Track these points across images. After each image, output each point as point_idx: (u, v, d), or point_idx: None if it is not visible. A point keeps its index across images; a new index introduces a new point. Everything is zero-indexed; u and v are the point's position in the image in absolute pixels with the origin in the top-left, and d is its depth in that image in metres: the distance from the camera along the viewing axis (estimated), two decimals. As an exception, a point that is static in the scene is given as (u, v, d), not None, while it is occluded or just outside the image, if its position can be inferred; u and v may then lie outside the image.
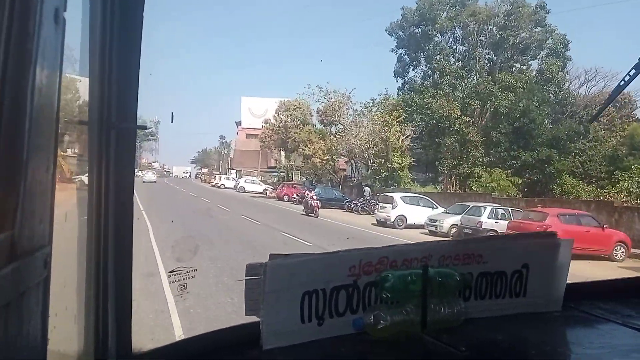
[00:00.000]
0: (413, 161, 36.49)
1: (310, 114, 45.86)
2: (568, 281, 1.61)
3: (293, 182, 43.09)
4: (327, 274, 1.34)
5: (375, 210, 24.78)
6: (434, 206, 23.95)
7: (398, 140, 34.95)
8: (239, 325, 1.33)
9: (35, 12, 0.66)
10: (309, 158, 41.40)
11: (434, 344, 1.33)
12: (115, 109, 1.04)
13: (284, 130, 45.83)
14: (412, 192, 28.05)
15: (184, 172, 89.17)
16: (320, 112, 42.18)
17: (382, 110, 37.28)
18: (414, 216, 22.82)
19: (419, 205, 23.95)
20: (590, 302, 1.68)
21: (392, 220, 22.80)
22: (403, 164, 35.25)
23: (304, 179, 44.70)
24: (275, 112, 47.83)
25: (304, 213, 24.89)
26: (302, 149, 41.30)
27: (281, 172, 51.10)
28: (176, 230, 13.84)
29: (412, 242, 1.61)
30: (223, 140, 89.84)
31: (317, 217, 23.68)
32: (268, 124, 49.68)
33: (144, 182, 47.60)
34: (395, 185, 33.64)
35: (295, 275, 1.29)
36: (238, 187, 46.33)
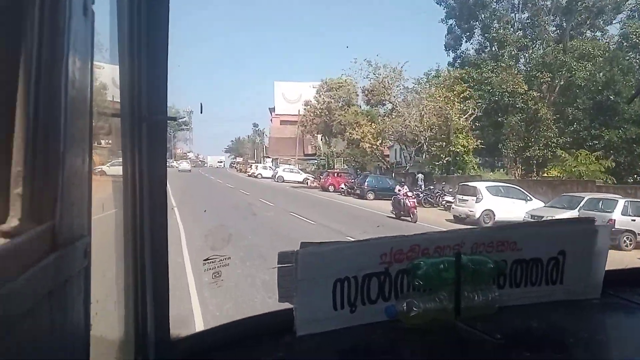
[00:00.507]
0: (481, 143, 31.04)
1: (355, 93, 41.54)
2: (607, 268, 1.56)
3: (337, 170, 38.82)
4: (359, 261, 1.34)
5: (453, 205, 19.87)
6: (528, 198, 19.23)
7: (459, 119, 30.28)
8: (273, 312, 1.36)
9: (65, 6, 0.67)
10: (356, 143, 36.67)
11: (468, 331, 1.31)
12: (145, 101, 1.06)
13: (327, 113, 41.46)
14: (497, 182, 22.67)
15: (218, 162, 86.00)
16: (366, 91, 37.39)
17: (438, 86, 32.60)
18: (504, 211, 17.77)
19: (510, 197, 18.99)
20: (630, 289, 1.62)
21: (477, 216, 18.09)
22: (468, 147, 30.33)
23: (346, 167, 41.03)
24: (317, 93, 43.75)
25: (394, 216, 18.91)
26: (349, 133, 36.37)
27: (321, 159, 47.84)
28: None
29: (444, 230, 1.58)
30: (256, 128, 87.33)
31: (415, 222, 17.51)
32: (309, 106, 45.20)
33: (179, 171, 48.67)
34: (461, 172, 29.61)
35: (327, 263, 1.30)
36: (277, 176, 42.99)
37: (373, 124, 35.84)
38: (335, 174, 35.23)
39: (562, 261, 1.53)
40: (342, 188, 30.19)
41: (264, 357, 1.22)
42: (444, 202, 22.88)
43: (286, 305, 1.29)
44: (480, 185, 19.65)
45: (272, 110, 71.11)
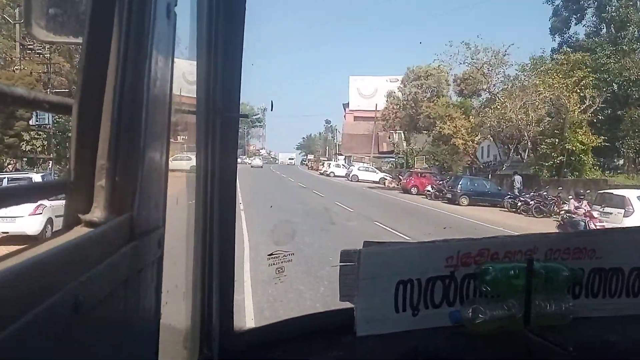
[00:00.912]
0: (604, 140, 25.00)
1: (447, 82, 35.34)
2: None
3: (419, 169, 33.73)
4: (423, 263, 1.31)
5: (592, 222, 13.78)
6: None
7: (577, 112, 24.84)
8: (333, 311, 1.36)
9: (150, 8, 0.70)
10: (445, 140, 31.23)
11: (538, 342, 1.24)
12: (220, 98, 1.09)
13: (412, 105, 35.30)
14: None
15: (289, 159, 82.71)
16: (458, 80, 32.35)
17: (552, 72, 26.53)
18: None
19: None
20: None
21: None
22: (587, 145, 24.72)
23: (427, 166, 35.79)
24: (402, 83, 37.96)
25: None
26: (440, 128, 30.88)
27: (399, 157, 44.13)
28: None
29: (515, 234, 1.47)
30: (328, 125, 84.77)
31: None
32: (392, 98, 39.69)
33: (252, 167, 49.50)
34: (577, 175, 24.66)
35: (389, 264, 1.29)
36: (351, 175, 38.95)
37: (466, 116, 31.12)
38: (419, 174, 30.33)
39: None
40: (428, 191, 25.71)
41: (323, 355, 1.22)
42: (562, 212, 16.96)
43: (348, 305, 1.29)
44: (630, 195, 15.32)
45: (346, 106, 68.17)
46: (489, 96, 30.85)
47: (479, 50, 30.02)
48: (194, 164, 1.12)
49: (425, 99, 35.18)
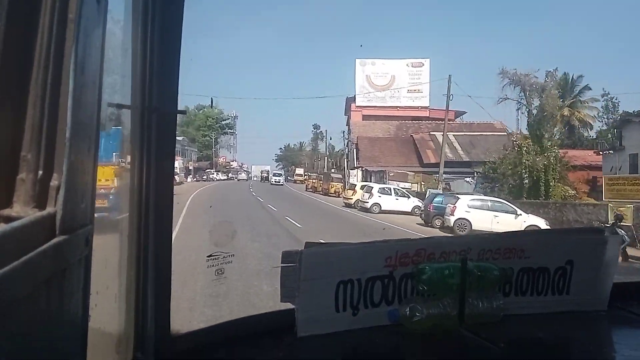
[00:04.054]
0: None
1: None
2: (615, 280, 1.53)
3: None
4: (363, 263, 1.33)
5: None
6: None
7: None
8: (274, 312, 1.36)
9: None
10: None
11: (472, 338, 1.30)
12: (156, 93, 1.05)
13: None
14: None
15: (263, 172, 64.69)
16: None
17: None
18: None
19: None
20: (638, 302, 1.59)
21: None
22: None
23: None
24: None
25: None
26: None
27: (489, 171, 26.85)
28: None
29: (450, 235, 1.57)
30: (317, 131, 69.58)
31: None
32: None
33: (237, 180, 44.80)
34: None
35: (330, 264, 1.29)
36: (371, 203, 25.02)
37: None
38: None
39: (570, 271, 1.50)
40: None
41: (264, 356, 1.21)
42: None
43: (289, 305, 1.28)
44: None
45: (351, 100, 48.94)
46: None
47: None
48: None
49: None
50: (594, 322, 1.50)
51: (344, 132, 54.80)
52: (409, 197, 25.82)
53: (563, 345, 1.39)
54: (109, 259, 1.04)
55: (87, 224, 0.76)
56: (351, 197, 27.98)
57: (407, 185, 31.31)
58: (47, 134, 0.65)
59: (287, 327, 1.27)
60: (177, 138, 1.31)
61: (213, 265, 1.44)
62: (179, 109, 1.16)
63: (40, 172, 0.65)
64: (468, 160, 32.18)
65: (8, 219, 0.61)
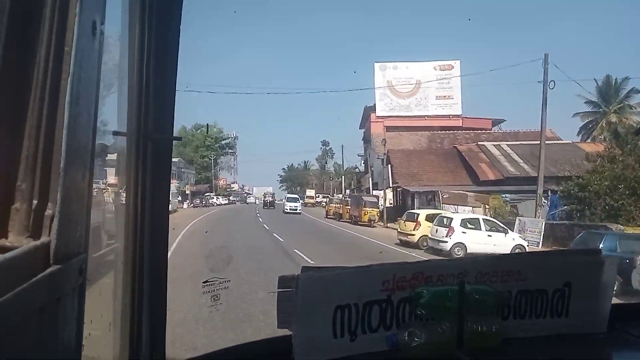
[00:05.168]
0: None
1: None
2: (613, 302, 1.52)
3: None
4: (360, 288, 1.32)
5: None
6: None
7: None
8: (271, 338, 1.34)
9: (73, 25, 0.68)
10: None
11: None
12: (152, 120, 1.07)
13: None
14: None
15: (265, 195, 53.26)
16: None
17: None
18: None
19: None
20: (637, 323, 1.57)
21: None
22: None
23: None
24: None
25: None
26: None
27: (555, 192, 22.37)
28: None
29: (447, 258, 1.56)
30: (326, 148, 61.69)
31: None
32: None
33: (247, 203, 40.38)
34: None
35: (328, 289, 1.28)
36: (452, 243, 16.55)
37: None
38: None
39: (568, 293, 1.49)
40: None
41: None
42: None
43: (285, 332, 1.26)
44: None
45: (370, 109, 43.54)
46: None
47: None
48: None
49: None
50: (593, 344, 1.48)
51: (367, 144, 45.90)
52: (506, 232, 17.49)
53: None
54: (103, 287, 1.04)
55: (82, 252, 0.76)
56: (412, 233, 18.91)
57: (468, 209, 24.23)
58: (41, 164, 0.66)
59: (284, 353, 1.25)
60: (174, 160, 1.32)
61: (209, 292, 1.43)
62: (175, 134, 1.17)
63: (35, 202, 0.66)
64: (536, 175, 23.61)
65: (3, 249, 0.61)
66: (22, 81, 0.65)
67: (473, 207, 25.19)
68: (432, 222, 18.17)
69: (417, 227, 18.99)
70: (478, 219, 18.35)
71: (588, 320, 1.51)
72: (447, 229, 16.93)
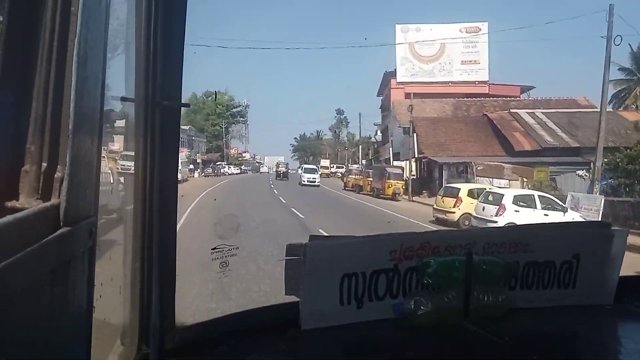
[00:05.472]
0: None
1: None
2: (621, 274, 1.52)
3: None
4: (368, 257, 1.32)
5: None
6: None
7: None
8: (278, 305, 1.36)
9: None
10: None
11: (476, 332, 1.29)
12: (159, 86, 1.05)
13: None
14: None
15: (279, 165, 46.53)
16: None
17: None
18: None
19: None
20: None
21: None
22: None
23: None
24: None
25: None
26: None
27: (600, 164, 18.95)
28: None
29: (456, 229, 1.56)
30: (341, 116, 58.18)
31: None
32: None
33: (260, 172, 38.47)
34: None
35: (335, 257, 1.29)
36: None
37: None
38: None
39: (576, 265, 1.49)
40: None
41: (268, 349, 1.21)
42: None
43: (293, 299, 1.28)
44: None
45: (390, 75, 40.19)
46: None
47: None
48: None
49: None
50: (599, 316, 1.49)
51: (385, 112, 41.04)
52: (565, 211, 14.69)
53: (568, 340, 1.39)
54: (113, 251, 1.05)
55: (91, 215, 0.76)
56: (452, 210, 16.42)
57: (504, 182, 21.75)
58: (50, 127, 0.66)
59: (292, 320, 1.26)
60: (184, 127, 1.31)
61: (217, 258, 1.45)
62: (184, 101, 1.16)
63: (44, 164, 0.66)
64: (578, 145, 22.05)
65: (13, 210, 0.61)
66: (29, 42, 0.65)
67: (510, 179, 22.90)
68: (475, 197, 15.95)
69: (457, 204, 16.42)
70: (532, 195, 15.43)
71: (595, 292, 1.51)
72: (497, 206, 14.34)
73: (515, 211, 14.08)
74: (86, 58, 0.69)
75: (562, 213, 14.49)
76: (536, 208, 14.52)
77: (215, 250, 1.44)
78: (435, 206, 17.67)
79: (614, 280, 1.51)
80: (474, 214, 15.18)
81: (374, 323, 1.32)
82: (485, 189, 16.74)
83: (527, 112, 29.05)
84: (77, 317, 0.75)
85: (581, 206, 16.83)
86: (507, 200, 14.53)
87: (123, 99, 1.07)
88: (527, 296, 1.45)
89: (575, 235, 1.55)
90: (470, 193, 16.66)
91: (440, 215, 16.80)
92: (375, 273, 1.33)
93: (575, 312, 1.47)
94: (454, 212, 16.26)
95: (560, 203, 15.24)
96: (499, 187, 18.38)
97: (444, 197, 17.41)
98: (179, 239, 1.18)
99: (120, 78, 1.07)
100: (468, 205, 16.05)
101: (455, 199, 16.66)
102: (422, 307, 1.30)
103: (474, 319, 1.32)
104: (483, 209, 15.00)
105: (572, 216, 14.45)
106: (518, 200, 14.71)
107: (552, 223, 2.00)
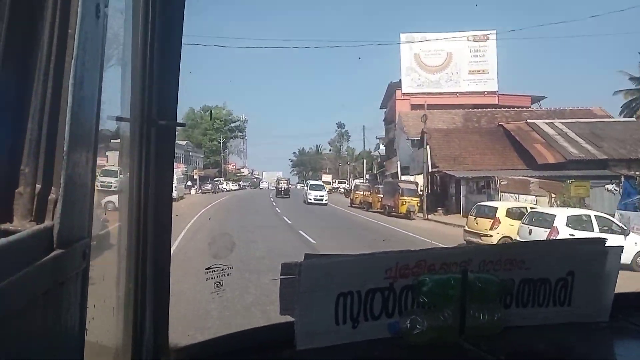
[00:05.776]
0: None
1: None
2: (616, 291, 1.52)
3: None
4: (363, 275, 1.32)
5: None
6: None
7: None
8: (273, 325, 1.34)
9: (77, 8, 0.68)
10: None
11: (472, 351, 1.29)
12: (155, 106, 1.06)
13: None
14: None
15: (279, 181, 45.43)
16: None
17: None
18: None
19: None
20: None
21: None
22: None
23: None
24: None
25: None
26: None
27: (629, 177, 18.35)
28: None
29: (451, 247, 1.56)
30: (342, 130, 59.52)
31: None
32: None
33: (260, 188, 37.64)
34: None
35: (330, 276, 1.28)
36: None
37: None
38: None
39: (571, 282, 1.49)
40: None
41: None
42: None
43: (288, 318, 1.27)
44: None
45: (395, 86, 39.18)
46: None
47: None
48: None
49: None
50: (595, 333, 1.48)
51: (389, 125, 39.53)
52: (626, 234, 12.54)
53: (564, 357, 1.38)
54: (107, 272, 1.04)
55: (85, 236, 0.76)
56: (488, 233, 14.46)
57: (530, 199, 20.29)
58: (45, 148, 0.66)
59: (286, 340, 1.25)
60: (181, 143, 1.31)
61: (212, 278, 1.44)
62: (182, 117, 1.17)
63: (39, 186, 0.66)
64: (605, 157, 20.16)
65: (6, 233, 0.61)
66: (26, 64, 0.65)
67: (537, 195, 21.03)
68: (515, 218, 14.21)
69: (495, 226, 14.47)
70: (589, 216, 13.32)
71: (591, 309, 1.51)
72: (548, 230, 12.24)
73: (570, 234, 11.73)
74: (82, 80, 0.70)
75: (622, 236, 12.06)
76: (593, 231, 12.34)
77: (210, 270, 1.43)
78: (466, 228, 15.49)
79: (609, 297, 1.51)
80: (518, 238, 12.83)
81: (370, 342, 1.31)
82: (527, 207, 15.09)
83: (546, 123, 27.60)
84: (70, 340, 0.74)
85: (633, 226, 14.54)
86: (560, 222, 12.53)
87: (119, 119, 1.08)
88: (523, 314, 1.45)
89: (570, 252, 1.55)
90: (509, 213, 14.93)
91: (472, 239, 14.55)
92: (371, 292, 1.33)
93: (571, 329, 1.47)
94: (491, 236, 14.27)
95: (619, 224, 13.39)
96: (547, 208, 16.54)
97: (477, 218, 15.27)
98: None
99: (115, 97, 1.08)
100: (507, 227, 14.28)
101: (492, 220, 14.67)
102: (417, 326, 1.29)
103: (470, 337, 1.31)
104: (530, 232, 12.80)
105: (635, 240, 12.37)
106: (572, 222, 12.73)
107: (547, 240, 2.01)
